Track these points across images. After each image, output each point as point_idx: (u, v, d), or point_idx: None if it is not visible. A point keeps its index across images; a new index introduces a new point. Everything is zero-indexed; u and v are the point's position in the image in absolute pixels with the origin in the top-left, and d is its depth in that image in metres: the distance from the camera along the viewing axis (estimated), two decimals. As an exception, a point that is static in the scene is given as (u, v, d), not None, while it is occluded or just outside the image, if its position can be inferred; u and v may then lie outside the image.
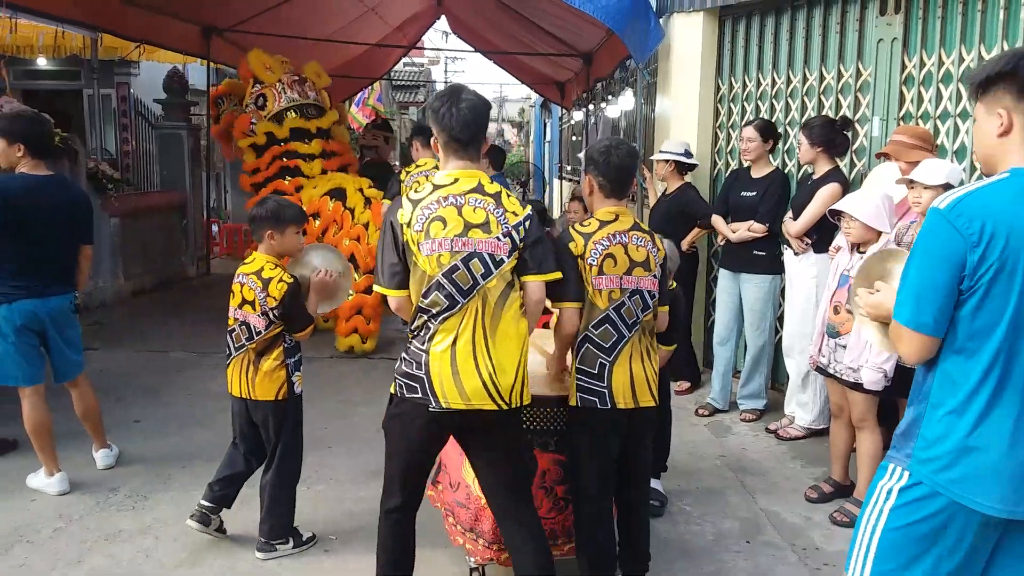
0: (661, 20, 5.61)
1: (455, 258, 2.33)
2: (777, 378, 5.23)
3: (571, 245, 2.62)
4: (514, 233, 2.39)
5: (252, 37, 10.02)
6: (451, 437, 2.57)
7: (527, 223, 2.41)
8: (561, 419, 2.81)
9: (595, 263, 2.61)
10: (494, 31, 12.01)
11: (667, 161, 5.30)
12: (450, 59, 35.15)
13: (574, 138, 14.07)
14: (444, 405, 2.34)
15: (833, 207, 3.58)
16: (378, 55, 13.37)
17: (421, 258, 2.35)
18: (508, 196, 2.44)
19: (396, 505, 2.55)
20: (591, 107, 9.88)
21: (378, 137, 10.35)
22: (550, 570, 2.53)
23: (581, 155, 10.90)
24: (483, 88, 10.10)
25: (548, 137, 21.60)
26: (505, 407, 2.39)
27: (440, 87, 34.62)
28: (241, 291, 3.14)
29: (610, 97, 8.71)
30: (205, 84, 9.27)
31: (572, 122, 13.64)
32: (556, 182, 16.83)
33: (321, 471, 4.11)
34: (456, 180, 2.40)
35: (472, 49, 13.74)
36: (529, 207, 2.47)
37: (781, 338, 4.87)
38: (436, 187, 2.39)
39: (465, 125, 2.38)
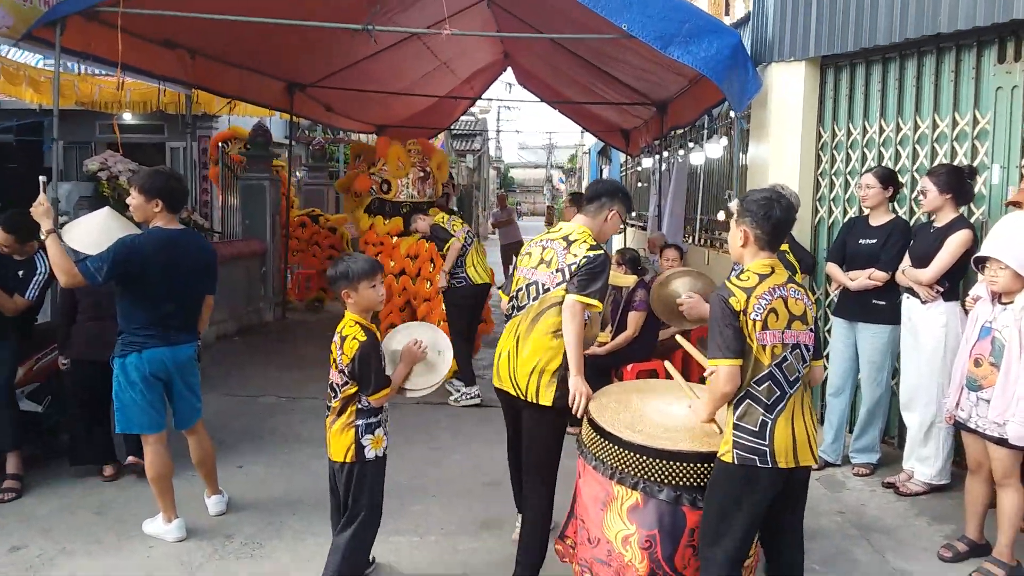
0: (758, 69, 5.60)
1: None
2: (887, 431, 5.03)
3: (731, 300, 2.56)
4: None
5: (332, 92, 10.43)
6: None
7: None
8: (706, 476, 2.73)
9: (759, 318, 2.54)
10: (560, 81, 12.17)
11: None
12: (504, 107, 35.82)
13: (640, 184, 14.07)
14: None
15: (980, 254, 3.46)
16: (447, 106, 13.69)
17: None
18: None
19: None
20: (665, 154, 9.87)
21: (448, 184, 10.53)
22: (530, 543, 3.24)
23: (653, 202, 10.89)
24: (533, 136, 10.25)
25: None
26: None
27: (493, 135, 35.20)
28: (331, 349, 3.16)
29: (692, 144, 8.70)
30: (285, 136, 9.58)
31: (639, 168, 13.65)
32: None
33: (429, 521, 4.06)
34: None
35: (538, 99, 13.91)
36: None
37: (895, 390, 4.70)
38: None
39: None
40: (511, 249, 14.34)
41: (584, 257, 3.15)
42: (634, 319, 5.37)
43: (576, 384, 3.06)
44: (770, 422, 2.54)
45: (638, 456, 2.72)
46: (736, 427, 2.57)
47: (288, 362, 7.51)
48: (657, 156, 10.31)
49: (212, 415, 5.72)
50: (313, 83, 9.92)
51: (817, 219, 5.51)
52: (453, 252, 6.37)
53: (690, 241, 8.97)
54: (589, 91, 11.08)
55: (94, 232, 3.87)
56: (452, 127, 23.43)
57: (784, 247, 3.85)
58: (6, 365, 4.31)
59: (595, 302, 3.14)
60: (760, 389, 2.55)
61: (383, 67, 10.44)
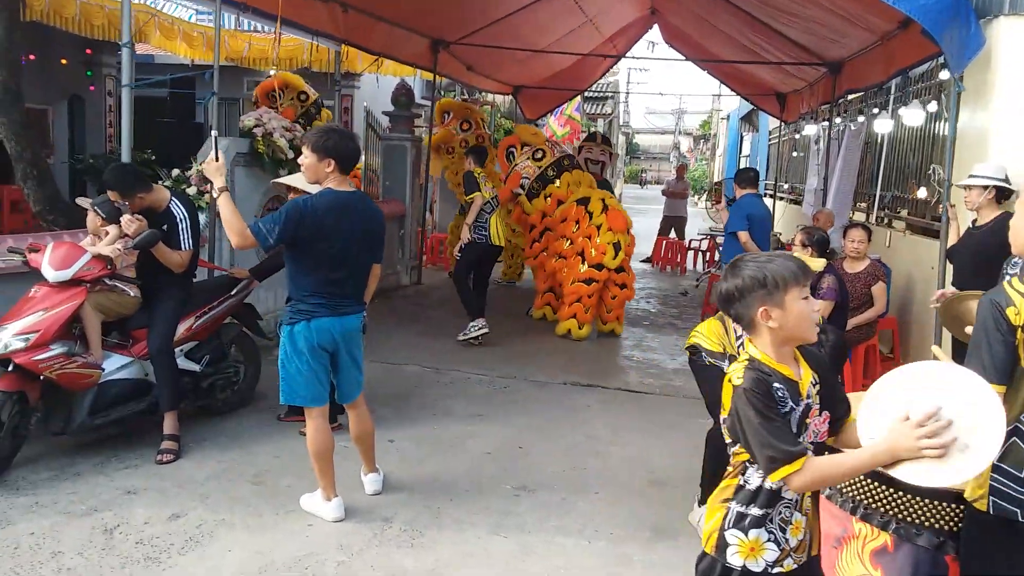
0: (980, 23, 4.80)
1: None
2: None
3: (1009, 311, 2.03)
4: None
5: (473, 50, 10.13)
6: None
7: None
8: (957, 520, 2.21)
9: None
10: (713, 39, 11.41)
11: (984, 187, 4.51)
12: (636, 69, 34.62)
13: (795, 154, 13.06)
14: None
15: None
16: (587, 66, 13.13)
17: None
18: None
19: None
20: (837, 120, 8.96)
21: (606, 152, 10.04)
22: None
23: (814, 174, 10.00)
24: (662, 101, 9.64)
25: (746, 151, 20.51)
26: None
27: (624, 98, 34.12)
28: None
29: (876, 110, 7.80)
30: (427, 97, 9.37)
31: (796, 136, 12.64)
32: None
33: (596, 521, 3.70)
34: None
35: (683, 58, 13.16)
36: None
37: None
38: None
39: None
40: (672, 222, 13.75)
41: None
42: (821, 309, 4.77)
43: None
44: None
45: (890, 490, 2.23)
46: (997, 469, 2.04)
47: (427, 329, 7.34)
48: (824, 123, 9.40)
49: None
50: (457, 40, 9.65)
51: (1051, 200, 4.69)
52: (476, 206, 6.91)
53: (864, 219, 8.12)
54: (746, 50, 10.26)
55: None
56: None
57: None
58: (167, 322, 4.25)
59: None
60: None
61: (528, 23, 10.04)
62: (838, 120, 8.95)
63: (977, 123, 4.89)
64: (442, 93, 11.34)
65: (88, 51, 10.60)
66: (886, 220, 7.53)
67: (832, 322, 4.79)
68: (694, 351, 3.61)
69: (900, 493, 2.22)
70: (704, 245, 12.60)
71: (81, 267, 3.94)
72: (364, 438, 3.79)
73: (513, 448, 4.56)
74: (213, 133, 3.68)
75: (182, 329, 4.41)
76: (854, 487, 2.31)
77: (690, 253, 12.87)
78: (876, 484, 2.26)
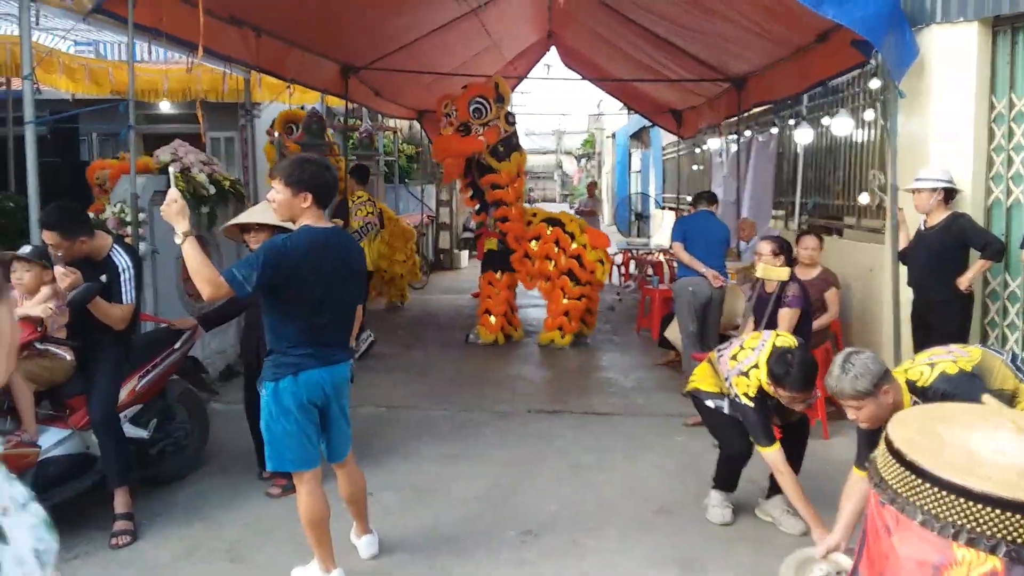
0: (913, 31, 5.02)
1: None
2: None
3: None
4: None
5: (381, 75, 9.87)
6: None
7: None
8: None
9: None
10: (610, 58, 11.67)
11: (932, 190, 4.71)
12: (516, 92, 35.05)
13: (695, 168, 13.46)
14: None
15: None
16: (487, 89, 13.09)
17: None
18: None
19: None
20: (748, 133, 9.27)
21: None
22: None
23: (721, 186, 10.31)
24: (544, 119, 9.92)
25: (636, 167, 21.09)
26: None
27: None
28: None
29: (792, 121, 8.07)
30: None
31: (697, 150, 13.03)
32: (660, 213, 16.24)
33: (619, 562, 3.52)
34: None
35: (580, 77, 13.40)
36: None
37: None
38: None
39: None
40: None
41: None
42: (788, 317, 4.79)
43: None
44: None
45: (998, 511, 2.16)
46: None
47: (369, 364, 6.97)
48: (732, 136, 9.71)
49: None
50: (366, 65, 9.37)
51: (991, 200, 4.94)
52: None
53: (783, 227, 8.39)
54: (646, 68, 10.52)
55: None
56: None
57: None
58: (108, 387, 3.76)
59: None
60: None
61: (436, 47, 9.91)
62: (748, 133, 9.24)
63: (918, 128, 5.09)
64: (340, 120, 10.92)
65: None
66: (805, 226, 7.79)
67: (799, 330, 4.84)
68: (695, 396, 4.02)
69: (1010, 514, 2.15)
70: (619, 259, 12.74)
71: (8, 331, 3.41)
72: (357, 497, 3.45)
73: (501, 488, 4.31)
74: (171, 170, 3.28)
75: (125, 392, 3.92)
76: (954, 511, 2.23)
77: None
78: (983, 507, 2.18)
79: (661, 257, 10.76)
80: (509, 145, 7.78)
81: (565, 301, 7.70)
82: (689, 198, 13.79)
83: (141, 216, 5.34)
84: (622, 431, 5.23)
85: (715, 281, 5.84)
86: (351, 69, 9.26)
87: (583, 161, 42.32)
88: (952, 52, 4.88)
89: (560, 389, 6.32)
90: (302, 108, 9.81)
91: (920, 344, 4.83)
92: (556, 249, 7.74)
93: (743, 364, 3.61)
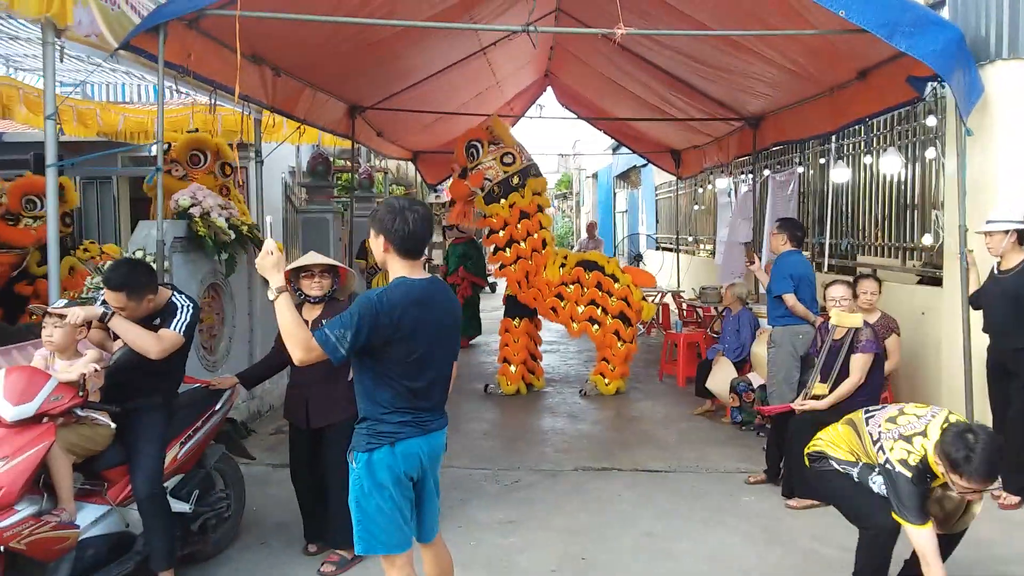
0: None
1: None
2: None
3: None
4: None
5: (383, 115, 9.66)
6: None
7: None
8: None
9: None
10: (609, 97, 11.64)
11: (1005, 232, 4.54)
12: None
13: (697, 207, 13.36)
14: None
15: None
16: (484, 129, 12.98)
17: None
18: None
19: None
20: (766, 172, 9.16)
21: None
22: None
23: (726, 226, 10.17)
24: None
25: (623, 207, 21.05)
26: None
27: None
28: None
29: (821, 160, 7.96)
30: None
31: (700, 190, 12.96)
32: (653, 253, 16.11)
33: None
34: None
35: (575, 116, 13.36)
36: None
37: None
38: None
39: None
40: None
41: None
42: (861, 363, 4.55)
43: None
44: None
45: None
46: None
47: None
48: (743, 175, 9.60)
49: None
50: (372, 105, 9.15)
51: (1064, 242, 4.79)
52: None
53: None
54: (649, 108, 10.45)
55: None
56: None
57: None
58: (154, 457, 3.37)
59: None
60: None
61: (440, 87, 9.76)
62: (766, 172, 9.14)
63: (974, 167, 4.95)
64: (352, 161, 10.60)
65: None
66: (835, 267, 7.64)
67: (872, 375, 4.62)
68: (817, 458, 3.54)
69: None
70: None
71: (46, 398, 3.02)
72: (446, 577, 3.08)
73: (575, 561, 3.95)
74: (267, 219, 2.92)
75: (167, 461, 3.51)
76: None
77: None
78: None
79: (669, 299, 10.56)
80: (507, 186, 7.60)
81: (621, 346, 7.41)
82: (690, 238, 13.75)
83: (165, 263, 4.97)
84: (683, 491, 4.91)
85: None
86: (358, 109, 9.05)
87: (557, 202, 42.40)
88: (1016, 87, 4.77)
89: (601, 444, 5.99)
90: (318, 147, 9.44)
91: (999, 393, 4.63)
92: (601, 293, 7.44)
93: (905, 428, 3.21)
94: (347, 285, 4.03)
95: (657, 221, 16.27)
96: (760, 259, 7.25)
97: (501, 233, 7.59)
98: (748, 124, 8.76)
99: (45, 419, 3.03)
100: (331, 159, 9.03)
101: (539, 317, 7.88)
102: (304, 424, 3.91)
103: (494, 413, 6.94)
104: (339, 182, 12.61)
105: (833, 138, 7.73)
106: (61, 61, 5.25)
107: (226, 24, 4.81)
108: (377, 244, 2.78)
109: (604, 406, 7.16)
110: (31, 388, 2.99)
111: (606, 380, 7.49)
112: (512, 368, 7.57)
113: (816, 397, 4.63)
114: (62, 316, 3.23)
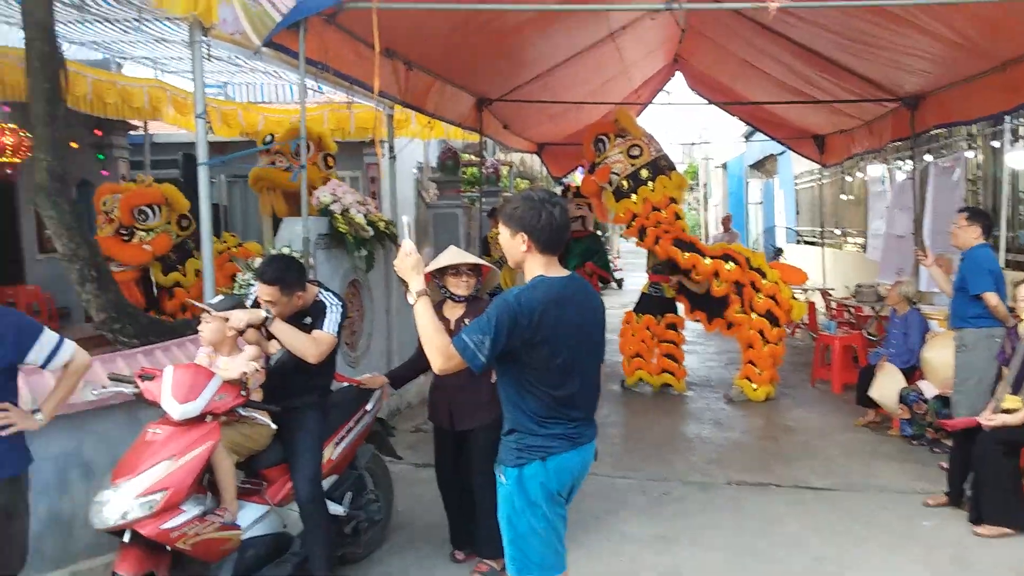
0: None
1: None
2: None
3: None
4: None
5: (509, 107, 9.53)
6: None
7: None
8: None
9: None
10: (744, 80, 11.02)
11: None
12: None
13: (844, 197, 12.51)
14: None
15: None
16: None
17: None
18: None
19: None
20: (928, 157, 8.40)
21: (583, 205, 9.34)
22: None
23: (881, 217, 9.41)
24: None
25: (756, 198, 20.14)
26: None
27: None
28: None
29: (995, 143, 7.19)
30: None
31: (848, 179, 12.13)
32: (793, 247, 15.21)
33: None
34: None
35: (707, 102, 12.80)
36: None
37: None
38: None
39: None
40: None
41: None
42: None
43: None
44: None
45: None
46: None
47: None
48: (899, 162, 8.84)
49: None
50: (500, 96, 9.03)
51: None
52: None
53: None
54: (788, 90, 9.79)
55: None
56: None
57: None
58: (314, 459, 3.33)
59: None
60: None
61: (565, 77, 9.48)
62: (927, 158, 8.37)
63: None
64: (479, 154, 10.52)
65: (97, 132, 9.68)
66: (1011, 264, 6.87)
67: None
68: None
69: None
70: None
71: (211, 396, 3.01)
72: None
73: (741, 584, 3.65)
74: (404, 219, 2.79)
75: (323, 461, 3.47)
76: None
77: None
78: None
79: (816, 298, 9.89)
80: (636, 180, 7.36)
81: (766, 348, 6.95)
82: (838, 231, 12.87)
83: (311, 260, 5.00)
84: (853, 512, 4.46)
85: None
86: (485, 101, 8.95)
87: (684, 193, 41.35)
88: None
89: (754, 455, 5.59)
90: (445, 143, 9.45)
91: None
92: (748, 288, 6.98)
93: None
94: (488, 282, 3.88)
95: (797, 213, 15.37)
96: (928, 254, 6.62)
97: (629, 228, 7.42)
98: (905, 105, 8.02)
99: (208, 417, 3.03)
100: (459, 153, 8.94)
101: (680, 315, 7.58)
102: (448, 427, 3.79)
103: (633, 417, 6.68)
104: (464, 176, 12.64)
105: (1007, 119, 6.95)
106: (208, 60, 5.40)
107: (360, 18, 4.77)
108: (515, 243, 2.55)
109: (752, 413, 6.73)
110: (197, 386, 2.99)
111: (754, 385, 7.02)
112: (630, 362, 7.49)
113: (1007, 411, 4.13)
114: (225, 319, 3.21)
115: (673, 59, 11.62)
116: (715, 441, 5.95)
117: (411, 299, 2.52)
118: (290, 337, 3.21)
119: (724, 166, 23.52)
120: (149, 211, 6.31)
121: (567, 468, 2.55)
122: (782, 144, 12.84)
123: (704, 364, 8.87)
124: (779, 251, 13.41)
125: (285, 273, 3.25)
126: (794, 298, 7.11)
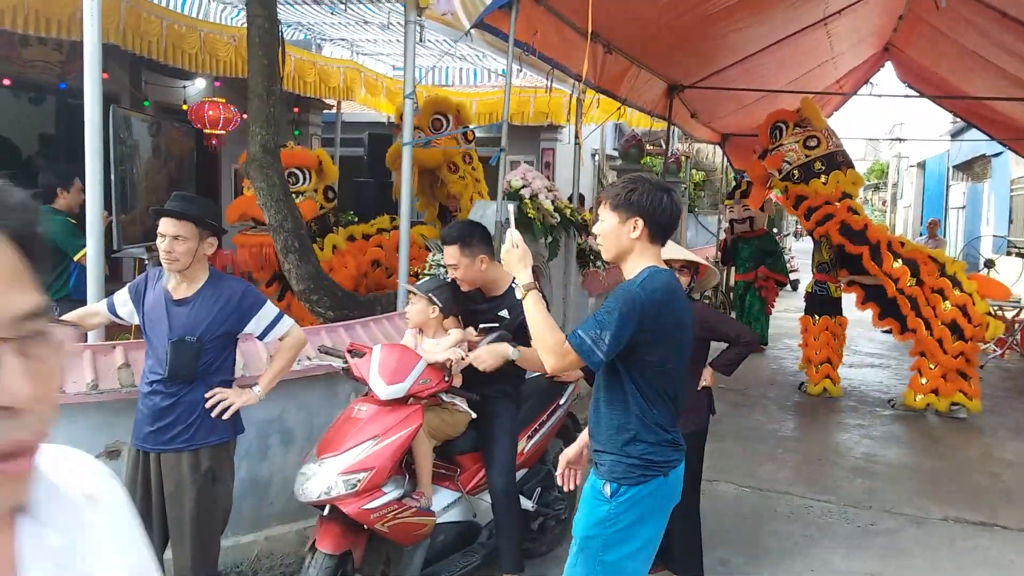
0: None
1: None
2: None
3: None
4: None
5: (700, 95, 9.07)
6: None
7: None
8: None
9: None
10: (963, 73, 9.91)
11: None
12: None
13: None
14: None
15: None
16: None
17: None
18: None
19: None
20: None
21: (749, 207, 8.61)
22: None
23: None
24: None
25: (957, 203, 18.28)
26: None
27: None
28: None
29: None
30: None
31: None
32: (1004, 259, 13.54)
33: None
34: None
35: (917, 95, 11.68)
36: None
37: None
38: None
39: None
40: None
41: None
42: None
43: None
44: None
45: None
46: None
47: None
48: None
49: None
50: (693, 83, 8.59)
51: None
52: None
53: None
54: (1019, 85, 8.65)
55: None
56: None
57: None
58: (509, 450, 3.22)
59: None
60: None
61: (765, 64, 8.89)
62: None
63: None
64: (666, 144, 10.11)
65: (295, 109, 10.20)
66: None
67: None
68: None
69: None
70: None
71: (416, 379, 2.94)
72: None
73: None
74: (510, 207, 2.64)
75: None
76: None
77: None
78: None
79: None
80: (808, 171, 6.99)
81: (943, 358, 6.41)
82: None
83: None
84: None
85: None
86: (677, 88, 8.55)
87: (866, 193, 38.56)
88: None
89: (971, 490, 4.92)
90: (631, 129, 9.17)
91: None
92: (933, 293, 6.45)
93: None
94: (705, 281, 3.57)
95: (1011, 221, 13.72)
96: None
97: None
98: None
99: (411, 400, 2.97)
100: (642, 141, 8.63)
101: (845, 316, 7.30)
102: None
103: (820, 433, 6.13)
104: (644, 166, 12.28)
105: None
106: (420, 41, 5.43)
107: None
108: (623, 230, 2.28)
109: (965, 442, 5.97)
110: (403, 368, 2.93)
111: (916, 395, 6.52)
112: (815, 369, 7.10)
113: None
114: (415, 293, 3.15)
115: (884, 48, 10.76)
116: (922, 469, 5.32)
117: (519, 293, 2.36)
118: (531, 358, 3.00)
119: (921, 165, 21.51)
120: (300, 174, 6.09)
121: (679, 479, 2.36)
122: (1002, 144, 11.47)
123: (902, 381, 8.04)
124: (990, 262, 11.96)
125: (464, 233, 3.13)
126: (992, 315, 6.41)
